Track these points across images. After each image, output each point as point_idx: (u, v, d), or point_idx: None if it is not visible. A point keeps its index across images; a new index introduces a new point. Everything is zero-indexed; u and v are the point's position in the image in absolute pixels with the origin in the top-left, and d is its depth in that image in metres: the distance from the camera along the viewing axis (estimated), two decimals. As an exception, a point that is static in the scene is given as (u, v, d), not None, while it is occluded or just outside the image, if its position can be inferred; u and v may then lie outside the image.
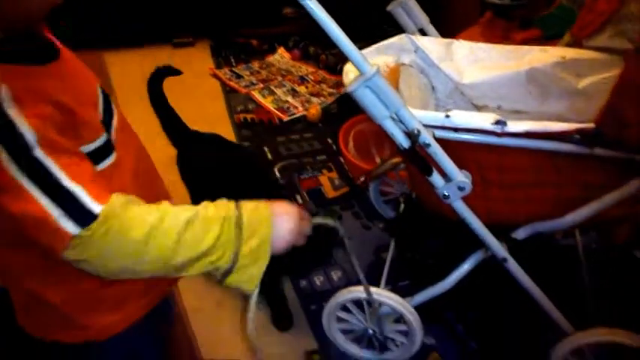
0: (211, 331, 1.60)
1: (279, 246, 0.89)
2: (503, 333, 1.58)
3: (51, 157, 0.74)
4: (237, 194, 1.44)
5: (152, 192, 1.03)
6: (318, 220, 1.00)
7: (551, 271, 1.53)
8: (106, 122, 0.92)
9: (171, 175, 1.65)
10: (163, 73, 1.76)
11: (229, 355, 1.52)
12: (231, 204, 0.87)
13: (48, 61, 0.84)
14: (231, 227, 0.84)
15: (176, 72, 1.78)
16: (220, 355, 1.52)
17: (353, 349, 1.49)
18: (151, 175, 1.13)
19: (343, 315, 1.43)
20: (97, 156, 0.86)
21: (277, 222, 0.88)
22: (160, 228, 0.80)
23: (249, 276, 0.87)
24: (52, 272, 0.90)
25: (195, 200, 1.69)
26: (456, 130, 1.06)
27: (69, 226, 0.75)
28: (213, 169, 1.65)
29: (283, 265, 0.96)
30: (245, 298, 0.90)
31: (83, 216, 0.75)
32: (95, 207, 0.76)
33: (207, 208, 0.85)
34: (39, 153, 0.73)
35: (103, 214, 0.76)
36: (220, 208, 0.85)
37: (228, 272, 0.85)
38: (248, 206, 0.87)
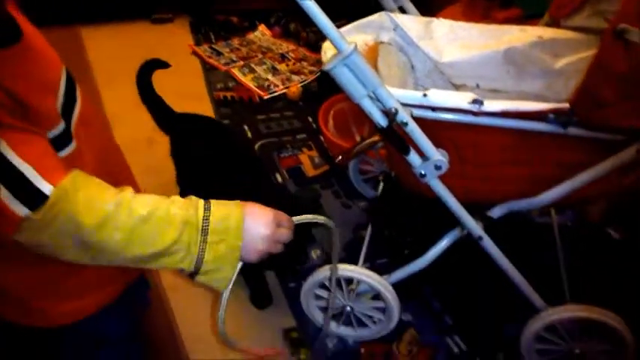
0: (190, 308, 1.60)
1: (251, 254, 0.86)
2: (478, 309, 1.61)
3: None
4: (226, 177, 1.44)
5: (117, 184, 1.02)
6: (306, 217, 0.96)
7: (526, 249, 1.56)
8: (66, 111, 0.86)
9: (145, 158, 1.64)
10: (151, 65, 1.75)
11: (208, 332, 1.52)
12: (200, 206, 0.83)
13: (6, 45, 0.77)
14: (192, 232, 0.80)
15: (164, 65, 1.76)
16: (199, 333, 1.53)
17: (331, 326, 1.51)
18: (117, 167, 1.09)
19: (321, 293, 1.44)
20: (53, 146, 0.82)
21: (250, 229, 0.85)
22: (112, 219, 0.76)
23: (219, 278, 0.85)
24: (9, 258, 0.87)
25: (184, 184, 1.69)
26: (433, 109, 1.07)
27: (17, 208, 0.71)
28: (205, 152, 1.64)
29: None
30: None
31: (32, 197, 0.72)
32: (45, 187, 0.72)
33: (171, 205, 0.81)
34: None
35: (53, 195, 0.73)
36: (187, 209, 0.81)
37: (195, 274, 0.83)
38: (218, 211, 0.83)
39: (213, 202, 0.84)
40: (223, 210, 0.84)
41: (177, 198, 0.83)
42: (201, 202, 0.83)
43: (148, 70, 1.74)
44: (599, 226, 1.88)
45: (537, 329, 1.30)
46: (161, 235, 0.79)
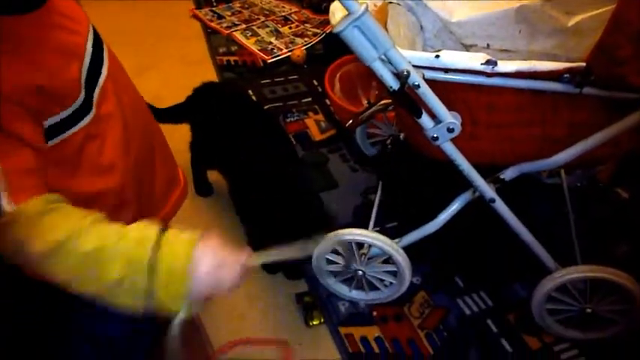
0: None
1: (196, 296, 0.78)
2: (488, 271, 1.61)
3: None
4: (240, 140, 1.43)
5: (150, 144, 1.02)
6: (268, 258, 0.87)
7: (536, 209, 1.56)
8: (92, 76, 0.86)
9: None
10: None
11: (222, 300, 1.53)
12: (151, 242, 0.76)
13: (30, 8, 0.75)
14: (139, 272, 0.74)
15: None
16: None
17: (342, 290, 1.52)
18: (149, 126, 1.10)
19: (333, 257, 1.44)
20: (72, 118, 0.82)
21: (195, 270, 0.77)
22: (59, 252, 0.74)
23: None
24: None
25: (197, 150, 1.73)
26: (445, 70, 1.05)
27: None
28: (221, 119, 1.64)
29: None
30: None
31: None
32: (7, 205, 0.72)
33: (122, 241, 0.76)
34: None
35: (9, 215, 0.73)
36: (137, 246, 0.76)
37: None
38: (167, 251, 0.76)
39: (164, 239, 0.78)
40: (172, 250, 0.77)
41: (132, 232, 0.78)
42: (153, 238, 0.77)
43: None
44: (608, 187, 1.87)
45: (549, 290, 1.31)
46: (105, 272, 0.74)
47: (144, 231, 0.78)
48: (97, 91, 0.89)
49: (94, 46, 0.89)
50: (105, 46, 0.95)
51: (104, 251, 0.75)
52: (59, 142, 0.84)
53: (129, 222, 0.92)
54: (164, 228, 0.79)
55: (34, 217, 0.74)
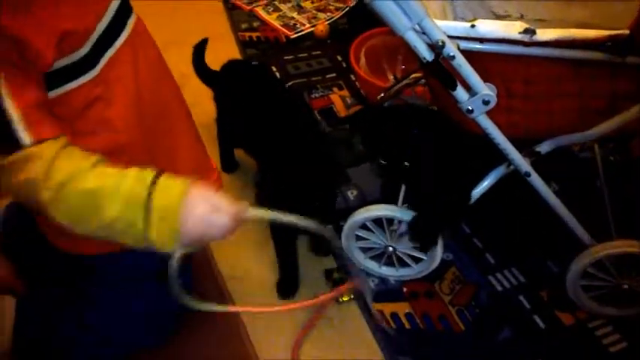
0: (228, 245, 1.60)
1: (185, 236, 0.80)
2: (521, 247, 1.59)
3: None
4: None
5: (166, 112, 1.02)
6: (266, 215, 0.89)
7: (571, 184, 1.52)
8: (105, 36, 0.88)
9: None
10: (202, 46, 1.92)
11: (252, 275, 1.53)
12: (148, 182, 0.79)
13: None
14: (136, 208, 0.78)
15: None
16: (238, 269, 1.54)
17: (372, 266, 1.50)
18: (168, 96, 1.10)
19: (362, 233, 1.43)
20: (71, 70, 0.84)
21: (186, 210, 0.79)
22: (62, 191, 0.77)
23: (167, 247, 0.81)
24: None
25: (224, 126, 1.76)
26: (481, 40, 1.02)
27: None
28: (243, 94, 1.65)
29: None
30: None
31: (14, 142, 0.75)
32: (25, 138, 0.75)
33: (122, 180, 0.79)
34: None
35: (27, 151, 0.75)
36: (135, 185, 0.79)
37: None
38: (162, 189, 0.79)
39: (161, 179, 0.81)
40: (167, 189, 0.80)
41: (131, 172, 0.81)
42: (150, 178, 0.80)
43: (200, 50, 1.90)
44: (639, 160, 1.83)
45: (585, 265, 1.28)
46: (105, 209, 0.78)
47: (142, 172, 0.81)
48: (110, 52, 0.89)
49: (119, 10, 0.91)
50: (134, 16, 0.96)
51: (104, 189, 0.78)
52: (58, 97, 0.85)
53: None
54: (161, 172, 0.82)
55: (47, 161, 0.76)
